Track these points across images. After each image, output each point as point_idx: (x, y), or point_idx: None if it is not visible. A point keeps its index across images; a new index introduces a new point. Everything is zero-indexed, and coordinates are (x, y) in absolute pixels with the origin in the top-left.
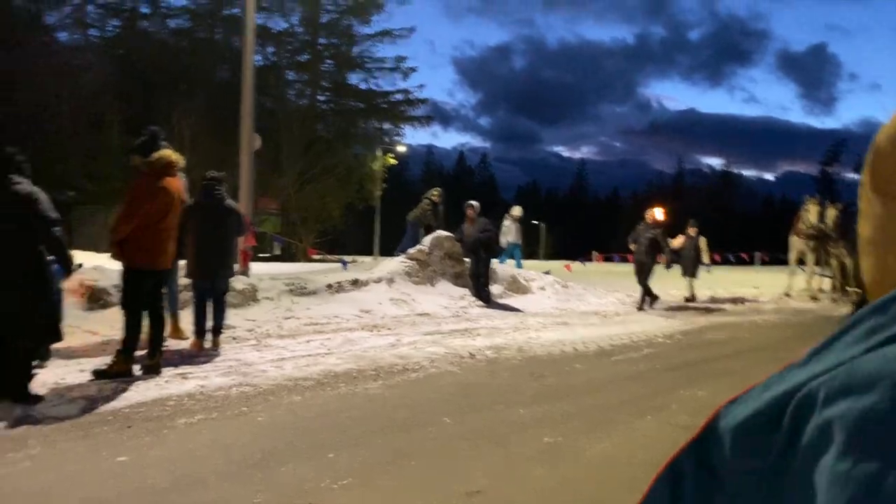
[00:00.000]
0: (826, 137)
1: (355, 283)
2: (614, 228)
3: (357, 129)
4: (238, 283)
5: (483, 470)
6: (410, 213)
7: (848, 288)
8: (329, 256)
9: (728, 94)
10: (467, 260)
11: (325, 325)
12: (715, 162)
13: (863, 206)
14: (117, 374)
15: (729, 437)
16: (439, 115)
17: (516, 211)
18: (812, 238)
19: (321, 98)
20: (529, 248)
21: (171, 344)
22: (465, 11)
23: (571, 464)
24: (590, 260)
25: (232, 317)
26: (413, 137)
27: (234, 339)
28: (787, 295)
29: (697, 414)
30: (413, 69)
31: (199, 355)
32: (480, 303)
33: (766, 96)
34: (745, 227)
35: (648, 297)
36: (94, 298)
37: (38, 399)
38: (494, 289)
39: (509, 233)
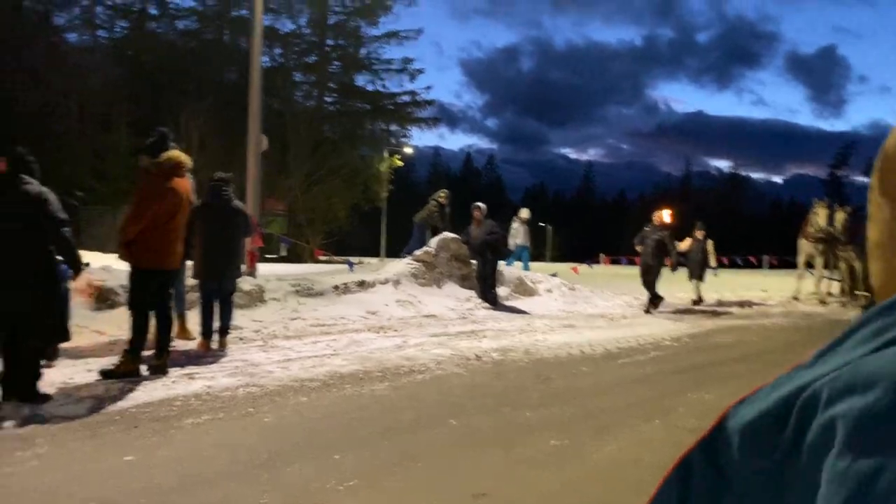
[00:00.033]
0: (835, 140)
1: (362, 285)
2: (621, 231)
3: (364, 131)
4: (245, 283)
5: (489, 472)
6: (417, 214)
7: (857, 292)
8: (335, 258)
9: (736, 97)
10: (474, 262)
11: (332, 327)
12: (723, 164)
13: (872, 209)
14: (124, 374)
15: (737, 437)
16: (446, 117)
17: (525, 213)
18: (821, 241)
19: (328, 99)
20: (536, 251)
21: (178, 344)
22: (473, 13)
23: (578, 467)
24: (597, 262)
25: (239, 317)
26: (420, 139)
27: (240, 339)
28: (796, 298)
29: (705, 417)
30: (420, 71)
31: (205, 356)
32: (487, 305)
33: (774, 99)
34: (753, 229)
35: (653, 299)
36: (102, 298)
37: (45, 398)
38: (501, 291)
39: (518, 235)
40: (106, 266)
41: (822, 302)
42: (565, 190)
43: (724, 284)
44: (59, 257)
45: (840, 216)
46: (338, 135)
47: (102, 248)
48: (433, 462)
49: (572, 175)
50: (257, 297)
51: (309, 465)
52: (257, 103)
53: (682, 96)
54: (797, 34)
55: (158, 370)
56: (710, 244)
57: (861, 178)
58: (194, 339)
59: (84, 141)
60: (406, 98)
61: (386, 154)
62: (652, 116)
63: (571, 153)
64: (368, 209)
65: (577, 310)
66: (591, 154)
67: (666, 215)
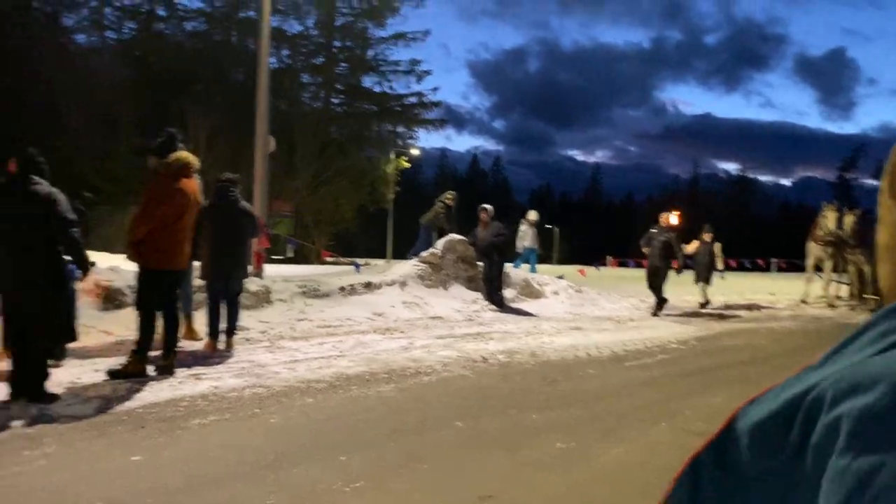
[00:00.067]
0: (844, 142)
1: (368, 286)
2: (629, 233)
3: (371, 132)
4: (251, 284)
5: (495, 474)
6: (424, 216)
7: (866, 295)
8: (342, 259)
9: (744, 99)
10: (480, 264)
11: (338, 328)
12: (731, 167)
13: (881, 212)
14: (131, 375)
15: (746, 437)
16: (453, 119)
17: (532, 215)
18: (830, 244)
19: (335, 101)
20: (543, 253)
21: (185, 345)
22: (480, 14)
23: (584, 469)
24: (604, 265)
25: (245, 318)
26: (427, 140)
27: (247, 340)
28: (804, 302)
29: (712, 420)
30: (427, 72)
31: (212, 356)
32: (493, 307)
33: (783, 101)
34: (762, 232)
35: (658, 301)
36: (110, 299)
37: (53, 398)
38: (507, 293)
39: (526, 237)
40: (114, 266)
41: (831, 305)
42: (572, 192)
43: (732, 287)
44: (67, 257)
45: (849, 219)
46: (345, 136)
47: (110, 248)
48: (439, 464)
49: (579, 177)
50: (264, 298)
51: (315, 466)
52: (265, 104)
53: (689, 98)
54: (806, 36)
55: (165, 370)
56: (717, 247)
57: (870, 181)
58: (201, 339)
59: (91, 141)
60: (413, 100)
61: (393, 155)
62: (660, 118)
63: (578, 155)
64: (375, 210)
65: (583, 312)
66: (598, 156)
67: (673, 217)
